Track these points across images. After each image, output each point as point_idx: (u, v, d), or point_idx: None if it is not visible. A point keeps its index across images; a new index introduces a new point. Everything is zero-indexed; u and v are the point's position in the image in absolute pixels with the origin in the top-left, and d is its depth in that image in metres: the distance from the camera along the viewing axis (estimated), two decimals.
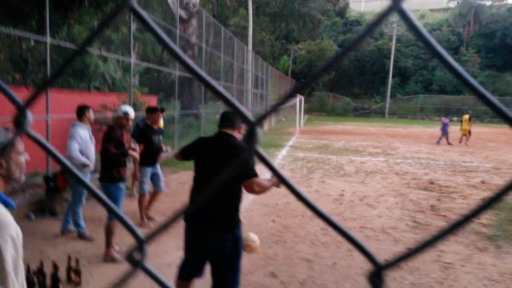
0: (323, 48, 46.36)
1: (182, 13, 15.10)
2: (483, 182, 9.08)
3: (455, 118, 34.84)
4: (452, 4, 50.87)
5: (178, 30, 11.16)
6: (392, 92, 45.92)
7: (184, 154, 3.09)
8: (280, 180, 0.45)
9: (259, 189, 2.77)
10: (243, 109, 0.43)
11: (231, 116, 2.94)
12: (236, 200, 2.83)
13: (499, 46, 45.59)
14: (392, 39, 45.22)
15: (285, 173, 9.44)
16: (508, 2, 49.91)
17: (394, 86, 46.39)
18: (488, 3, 47.79)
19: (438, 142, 17.81)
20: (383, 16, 0.36)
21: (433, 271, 4.23)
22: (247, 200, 6.84)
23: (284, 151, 13.58)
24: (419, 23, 0.35)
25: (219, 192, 2.62)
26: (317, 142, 17.10)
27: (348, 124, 32.08)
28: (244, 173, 2.68)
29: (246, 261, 3.66)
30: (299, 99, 24.28)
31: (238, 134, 2.93)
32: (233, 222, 2.81)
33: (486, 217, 6.26)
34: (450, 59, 0.35)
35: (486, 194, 7.91)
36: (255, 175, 2.71)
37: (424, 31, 0.35)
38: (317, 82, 48.88)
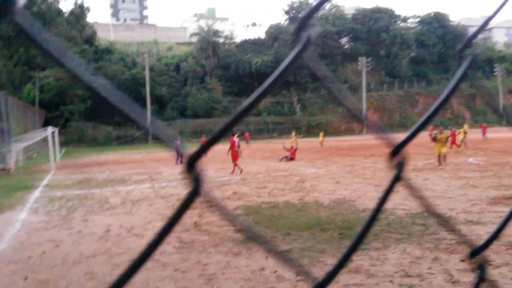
0: (74, 76, 43.46)
1: None
2: (234, 193, 10.50)
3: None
4: (194, 39, 57.25)
5: None
6: (152, 119, 47.35)
7: None
8: None
9: None
10: None
11: None
12: None
13: (234, 76, 54.24)
14: (145, 68, 46.85)
15: (38, 217, 8.25)
16: (236, 41, 60.16)
17: (153, 113, 48.00)
18: (221, 40, 56.22)
19: (177, 163, 19.42)
20: None
21: (199, 285, 4.56)
22: None
23: (37, 193, 11.82)
24: None
25: None
26: (78, 176, 15.73)
27: (112, 154, 31.00)
28: None
29: None
30: (51, 131, 21.74)
31: None
32: None
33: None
34: None
35: (239, 203, 9.18)
36: None
37: None
38: (72, 111, 45.19)
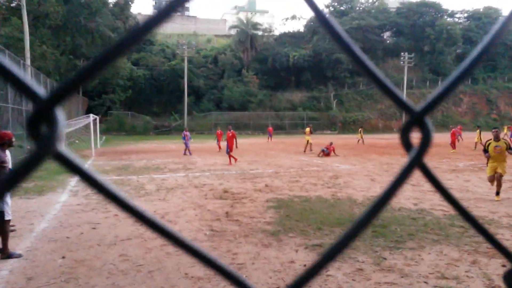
0: (117, 66, 44.85)
1: None
2: (266, 185, 10.48)
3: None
4: (233, 32, 57.45)
5: None
6: (188, 110, 48.14)
7: None
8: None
9: None
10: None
11: None
12: None
13: (270, 70, 54.02)
14: (184, 60, 47.61)
15: (77, 200, 8.61)
16: (275, 33, 59.85)
17: (190, 104, 48.77)
18: (260, 33, 56.05)
19: (185, 153, 19.76)
20: None
21: None
22: (30, 238, 5.88)
23: (77, 177, 12.35)
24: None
25: None
26: (116, 163, 16.27)
27: (150, 143, 31.87)
28: None
29: None
30: (93, 119, 22.63)
31: None
32: None
33: (270, 216, 7.23)
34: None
35: (270, 196, 9.15)
36: None
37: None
38: (114, 100, 46.78)
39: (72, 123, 24.60)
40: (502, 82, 59.65)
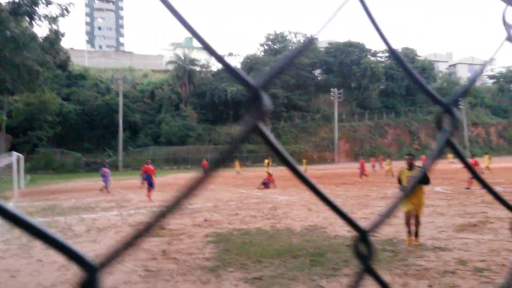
0: (45, 101, 42.46)
1: None
2: (205, 220, 10.30)
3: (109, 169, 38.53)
4: (170, 67, 57.46)
5: None
6: (124, 145, 46.45)
7: None
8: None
9: None
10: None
11: None
12: None
13: (209, 104, 54.47)
14: (119, 94, 46.41)
15: None
16: (213, 69, 60.84)
17: (125, 139, 47.15)
18: (197, 69, 56.67)
19: (101, 190, 19.07)
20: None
21: None
22: None
23: None
24: None
25: None
26: (42, 204, 15.07)
27: (80, 181, 30.05)
28: None
29: None
30: (16, 157, 20.92)
31: None
32: None
33: (209, 251, 7.08)
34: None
35: (209, 230, 8.99)
36: None
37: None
38: (40, 137, 43.83)
39: None
40: (421, 115, 65.46)
